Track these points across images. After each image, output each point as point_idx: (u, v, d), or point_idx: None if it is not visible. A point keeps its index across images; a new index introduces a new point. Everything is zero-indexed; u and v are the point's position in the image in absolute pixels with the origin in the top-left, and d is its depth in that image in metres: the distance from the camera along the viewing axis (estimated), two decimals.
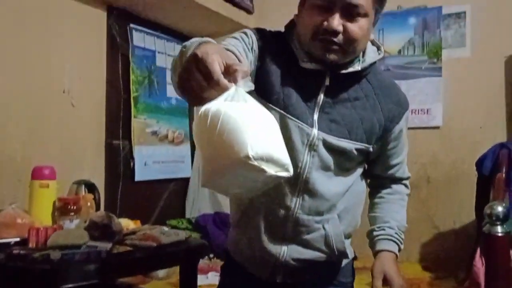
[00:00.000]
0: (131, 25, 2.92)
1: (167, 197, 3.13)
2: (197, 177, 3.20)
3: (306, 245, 1.15)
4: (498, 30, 2.71)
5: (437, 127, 2.89)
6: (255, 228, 1.16)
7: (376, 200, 1.29)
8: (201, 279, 2.00)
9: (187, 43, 0.87)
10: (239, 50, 1.01)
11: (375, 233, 1.23)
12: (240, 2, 3.14)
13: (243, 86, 0.72)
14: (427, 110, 2.92)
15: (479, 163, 2.32)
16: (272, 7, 3.28)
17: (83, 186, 2.10)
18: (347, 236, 1.22)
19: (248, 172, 0.70)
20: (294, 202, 1.12)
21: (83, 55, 2.64)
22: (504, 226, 1.56)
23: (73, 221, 1.73)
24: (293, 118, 1.07)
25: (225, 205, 3.12)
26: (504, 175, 2.06)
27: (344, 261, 1.25)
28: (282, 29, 1.19)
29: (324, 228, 1.15)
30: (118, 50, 2.86)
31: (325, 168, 1.12)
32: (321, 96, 1.11)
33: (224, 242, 2.58)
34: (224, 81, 0.71)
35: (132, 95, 2.90)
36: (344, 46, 1.05)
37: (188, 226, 2.78)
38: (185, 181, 3.23)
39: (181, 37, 3.28)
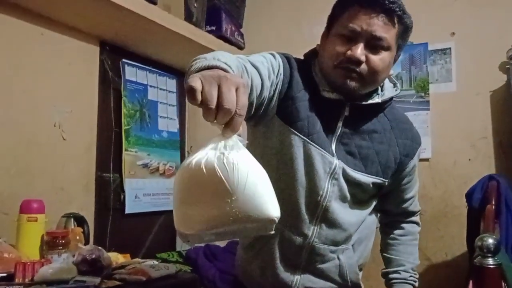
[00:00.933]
0: (124, 60, 2.96)
1: (157, 229, 3.10)
2: None
3: (320, 274, 1.15)
4: (483, 66, 2.79)
5: (426, 160, 2.92)
6: (268, 254, 1.15)
7: (390, 241, 1.33)
8: None
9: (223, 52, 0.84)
10: (263, 71, 1.03)
11: (390, 275, 1.28)
12: (231, 38, 3.21)
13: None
14: None
15: (469, 196, 2.34)
16: (262, 43, 3.36)
17: (72, 220, 2.07)
18: (360, 268, 1.23)
19: (255, 228, 0.69)
20: (311, 230, 1.11)
21: (75, 88, 2.66)
22: (495, 258, 1.56)
23: (61, 255, 1.70)
24: (317, 146, 1.08)
25: None
26: (493, 207, 2.07)
27: None
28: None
29: (338, 258, 1.16)
30: (110, 84, 2.88)
31: (342, 198, 1.13)
32: (340, 126, 1.12)
33: (214, 275, 2.55)
34: (240, 123, 0.67)
35: (123, 128, 2.91)
36: (364, 76, 1.07)
37: (179, 259, 2.74)
38: None
39: (172, 71, 3.32)
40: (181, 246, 3.12)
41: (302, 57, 1.24)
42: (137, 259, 1.98)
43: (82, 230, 2.01)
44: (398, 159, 1.17)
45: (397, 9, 1.05)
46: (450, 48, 2.92)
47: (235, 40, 3.26)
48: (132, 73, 3.01)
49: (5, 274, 1.57)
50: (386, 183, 1.17)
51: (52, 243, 1.75)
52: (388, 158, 1.15)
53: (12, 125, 2.31)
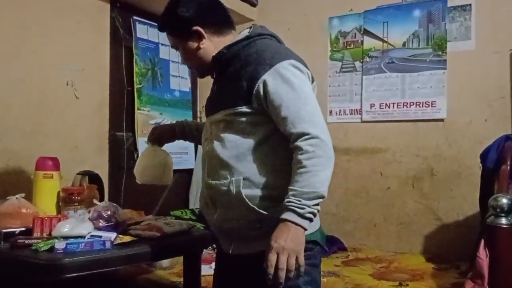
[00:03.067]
0: (134, 17, 2.92)
1: (170, 188, 3.14)
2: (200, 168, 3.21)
3: (224, 207, 1.29)
4: (504, 23, 2.70)
5: (441, 120, 2.88)
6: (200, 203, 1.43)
7: None
8: (204, 269, 2.00)
9: None
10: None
11: None
12: None
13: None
14: (431, 103, 2.91)
15: (484, 156, 2.32)
16: (276, 0, 3.28)
17: (87, 177, 2.10)
18: (269, 198, 1.26)
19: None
20: (204, 171, 1.36)
21: (87, 47, 2.64)
22: (509, 217, 1.56)
23: (77, 211, 1.73)
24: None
25: None
26: (508, 167, 2.05)
27: None
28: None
29: (229, 189, 1.27)
30: (121, 42, 2.85)
31: (215, 137, 1.32)
32: (214, 89, 1.41)
33: None
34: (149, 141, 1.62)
35: (135, 87, 2.90)
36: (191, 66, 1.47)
37: (192, 217, 2.78)
38: (189, 172, 3.24)
39: None
40: (194, 204, 3.17)
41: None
42: (151, 216, 2.01)
43: (97, 187, 2.04)
44: (244, 86, 1.26)
45: (162, 30, 1.42)
46: (470, 5, 2.82)
47: None
48: (143, 31, 2.97)
49: (23, 229, 1.61)
50: (244, 109, 1.26)
51: (68, 199, 1.78)
52: (233, 90, 1.28)
53: (25, 84, 2.31)
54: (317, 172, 1.19)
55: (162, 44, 3.06)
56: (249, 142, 1.27)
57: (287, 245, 1.15)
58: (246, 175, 1.25)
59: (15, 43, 2.27)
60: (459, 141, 2.83)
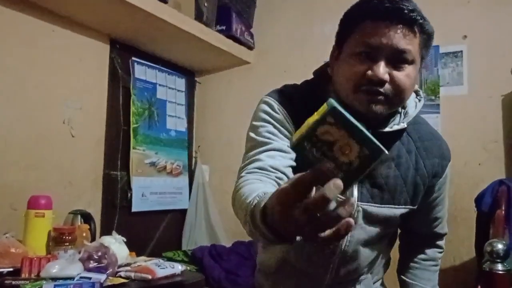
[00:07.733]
0: (133, 58, 2.97)
1: (163, 228, 3.10)
2: (194, 209, 3.18)
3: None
4: (495, 69, 2.76)
5: None
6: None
7: (408, 263, 1.25)
8: None
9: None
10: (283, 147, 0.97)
11: None
12: (240, 38, 3.20)
13: None
14: None
15: (478, 200, 2.31)
16: (272, 43, 3.35)
17: (79, 216, 2.08)
18: (380, 281, 1.26)
19: None
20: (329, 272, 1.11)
21: (85, 86, 2.67)
22: (505, 263, 1.54)
23: (67, 252, 1.70)
24: None
25: (222, 237, 3.08)
26: (503, 212, 2.04)
27: None
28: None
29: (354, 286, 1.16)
30: (119, 82, 2.89)
31: (367, 242, 1.07)
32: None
33: (219, 275, 2.55)
34: None
35: (131, 126, 2.91)
36: (390, 96, 0.94)
37: (184, 258, 2.74)
38: (182, 212, 3.21)
39: (182, 70, 3.32)
40: (187, 245, 3.12)
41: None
42: (143, 257, 1.98)
43: (88, 227, 2.01)
44: (426, 182, 1.07)
45: (418, 17, 0.94)
46: (461, 51, 2.89)
47: (244, 40, 3.25)
48: (141, 71, 3.02)
49: (11, 269, 1.57)
50: (415, 208, 1.08)
51: (58, 239, 1.76)
52: (416, 184, 1.05)
53: (24, 119, 2.33)
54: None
55: (159, 85, 3.10)
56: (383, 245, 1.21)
57: None
58: (372, 270, 1.23)
59: (18, 78, 2.31)
60: (454, 185, 2.82)
